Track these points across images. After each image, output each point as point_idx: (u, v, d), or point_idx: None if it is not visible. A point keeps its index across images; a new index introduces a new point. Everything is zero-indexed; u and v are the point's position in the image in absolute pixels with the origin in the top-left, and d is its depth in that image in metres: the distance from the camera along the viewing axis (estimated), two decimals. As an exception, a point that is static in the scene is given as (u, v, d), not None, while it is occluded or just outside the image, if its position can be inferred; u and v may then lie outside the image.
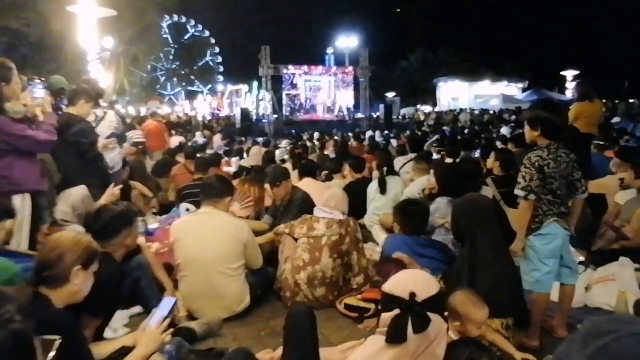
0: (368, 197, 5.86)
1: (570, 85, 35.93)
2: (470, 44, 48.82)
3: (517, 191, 2.88)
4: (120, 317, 3.04)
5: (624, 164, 5.24)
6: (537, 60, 47.61)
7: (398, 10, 55.59)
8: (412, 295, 1.72)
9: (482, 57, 46.99)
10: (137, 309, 3.18)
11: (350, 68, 29.06)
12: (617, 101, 21.60)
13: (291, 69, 27.48)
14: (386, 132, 17.97)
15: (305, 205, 4.44)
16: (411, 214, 3.43)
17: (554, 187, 2.87)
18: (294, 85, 27.45)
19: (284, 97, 27.43)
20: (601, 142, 6.32)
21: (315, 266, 3.55)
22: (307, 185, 5.34)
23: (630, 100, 21.58)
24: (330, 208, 3.75)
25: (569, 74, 37.51)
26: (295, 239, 3.71)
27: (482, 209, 2.70)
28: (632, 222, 4.19)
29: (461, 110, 29.33)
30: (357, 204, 5.78)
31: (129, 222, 2.78)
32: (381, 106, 28.36)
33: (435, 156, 7.83)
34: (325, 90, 28.44)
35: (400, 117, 34.38)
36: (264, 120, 26.33)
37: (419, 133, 15.44)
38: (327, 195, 3.87)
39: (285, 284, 3.60)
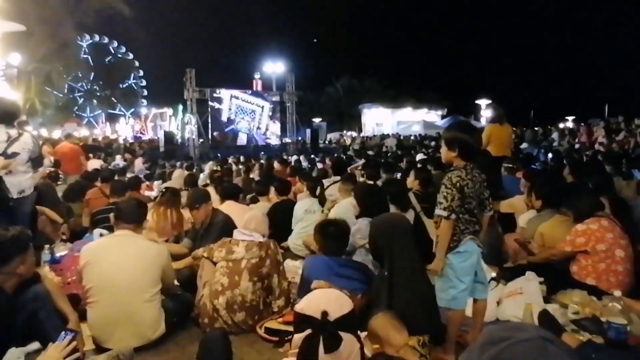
0: (294, 218, 5.85)
1: (484, 113, 38.24)
2: (393, 73, 51.24)
3: (439, 211, 2.93)
4: (15, 355, 2.75)
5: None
6: (454, 90, 50.53)
7: (315, 40, 56.93)
8: (324, 314, 1.69)
9: (404, 85, 49.24)
10: (34, 345, 2.89)
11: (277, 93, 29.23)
12: (524, 128, 23.24)
13: (217, 92, 27.20)
14: (312, 156, 18.14)
15: (226, 228, 4.35)
16: (331, 235, 3.43)
17: (472, 207, 2.97)
18: (218, 109, 27.15)
19: (210, 121, 27.01)
20: (511, 165, 6.70)
21: (234, 290, 3.44)
22: (229, 208, 5.27)
23: (536, 129, 23.36)
24: (250, 230, 3.69)
25: (483, 102, 39.86)
26: (214, 263, 3.60)
27: (399, 228, 2.74)
28: (535, 239, 4.44)
29: (386, 135, 30.23)
30: (282, 225, 5.82)
31: (23, 249, 2.54)
32: (308, 131, 28.70)
33: (359, 179, 7.99)
34: (256, 113, 28.39)
35: (326, 141, 34.89)
36: (188, 144, 25.75)
37: (344, 157, 15.68)
38: (247, 218, 3.81)
39: (204, 309, 3.46)
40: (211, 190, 6.99)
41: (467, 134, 2.96)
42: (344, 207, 4.96)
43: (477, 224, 3.02)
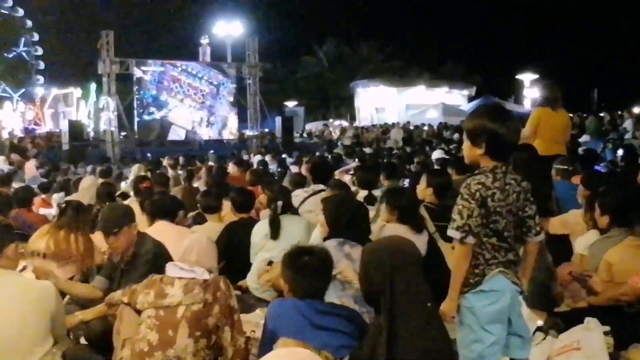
0: (253, 246, 5.86)
1: (529, 94, 38.75)
2: (399, 37, 51.26)
3: (451, 232, 2.96)
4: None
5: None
6: (487, 61, 50.82)
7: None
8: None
9: (415, 54, 49.54)
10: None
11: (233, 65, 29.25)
12: (585, 115, 23.58)
13: (147, 64, 27.10)
14: (283, 155, 18.16)
15: (157, 261, 4.34)
16: (305, 269, 3.42)
17: (500, 227, 2.99)
18: (148, 89, 27.07)
19: (136, 106, 26.88)
20: (565, 167, 6.78)
21: (167, 351, 3.42)
22: (161, 231, 5.25)
23: (601, 115, 23.57)
24: (190, 264, 3.67)
25: (527, 78, 40.45)
26: (139, 312, 3.58)
27: (403, 258, 2.76)
28: (599, 271, 4.48)
29: (390, 125, 30.44)
30: (239, 256, 5.82)
31: None
32: (278, 119, 28.75)
33: (352, 188, 8.03)
34: (205, 95, 28.36)
35: (304, 134, 35.00)
36: (105, 140, 25.61)
37: (330, 157, 15.74)
38: (186, 246, 3.80)
39: (122, 379, 3.43)
40: (135, 205, 6.97)
41: (498, 122, 2.98)
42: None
43: (512, 252, 3.05)
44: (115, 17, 38.18)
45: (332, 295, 3.84)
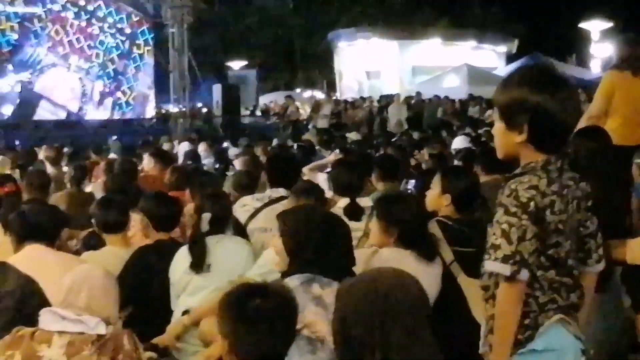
0: (173, 285, 5.85)
1: (597, 51, 39.08)
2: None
3: (494, 265, 2.98)
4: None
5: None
6: (532, 4, 51.15)
7: None
8: None
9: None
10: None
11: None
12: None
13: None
14: (225, 144, 18.11)
15: (24, 305, 4.37)
16: (252, 318, 3.42)
17: (562, 253, 3.04)
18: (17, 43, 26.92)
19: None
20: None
21: None
22: (33, 260, 5.22)
23: None
24: (77, 310, 3.66)
25: (595, 28, 40.78)
26: (-3, 385, 3.56)
27: (401, 303, 2.76)
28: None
29: (389, 98, 30.44)
30: (156, 296, 5.91)
31: None
32: (216, 89, 28.65)
33: (328, 194, 8.04)
34: (102, 48, 28.30)
35: (258, 111, 34.95)
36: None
37: (296, 146, 15.73)
38: (70, 284, 3.78)
39: None
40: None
41: (546, 94, 2.99)
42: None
43: (577, 291, 3.10)
44: None
45: (295, 356, 3.85)
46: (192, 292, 5.70)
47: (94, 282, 3.79)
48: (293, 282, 4.17)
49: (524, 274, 2.91)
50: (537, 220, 2.92)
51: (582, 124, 7.45)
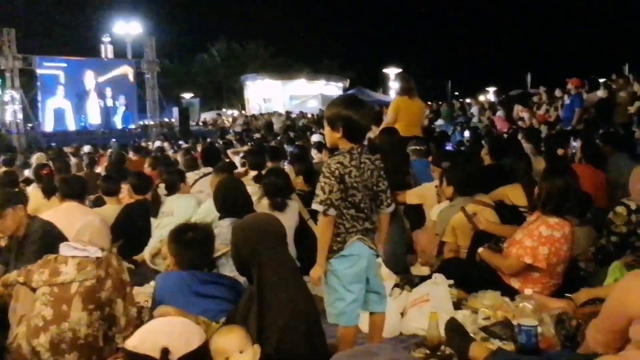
0: (153, 223, 5.74)
1: (394, 85, 39.62)
2: (283, 36, 51.28)
3: (315, 205, 3.00)
4: None
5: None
6: (359, 57, 51.79)
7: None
8: (165, 352, 1.63)
9: (297, 51, 49.79)
10: None
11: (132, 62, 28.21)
12: (440, 102, 24.45)
13: (50, 61, 25.62)
14: (181, 142, 17.74)
15: (47, 240, 4.12)
16: (188, 243, 3.34)
17: (357, 200, 3.04)
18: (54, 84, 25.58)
19: (40, 99, 25.39)
20: (418, 147, 6.98)
21: (62, 324, 3.24)
22: (67, 212, 5.08)
23: (453, 102, 24.61)
24: (83, 243, 3.49)
25: (392, 72, 41.30)
26: (34, 290, 3.37)
27: (267, 233, 2.74)
28: (446, 234, 4.66)
29: (277, 114, 30.28)
30: (137, 234, 5.69)
31: None
32: (175, 110, 28.08)
33: (240, 169, 7.98)
34: (100, 90, 27.18)
35: (200, 123, 34.36)
36: (11, 131, 24.01)
37: (223, 142, 15.50)
38: (79, 227, 3.61)
39: (18, 354, 3.22)
40: (37, 191, 6.62)
41: (352, 110, 3.02)
42: (210, 206, 4.87)
43: (367, 221, 3.10)
44: (16, 15, 35.58)
45: (227, 270, 3.81)
46: (162, 227, 5.57)
47: (92, 225, 3.62)
48: (225, 222, 4.16)
49: (332, 211, 2.95)
50: (341, 181, 2.95)
51: (384, 126, 7.62)
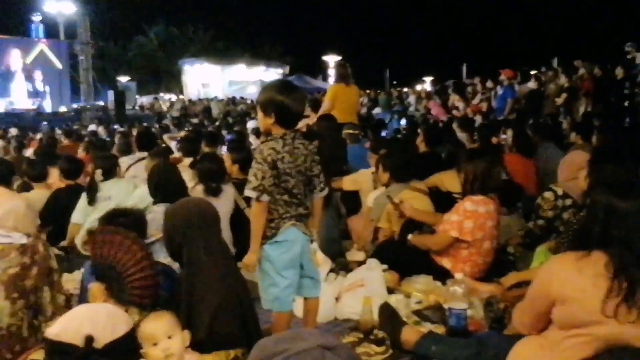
0: (81, 209, 5.54)
1: (333, 73, 39.73)
2: (222, 20, 50.36)
3: (248, 192, 2.96)
4: None
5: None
6: (299, 44, 51.52)
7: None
8: (89, 340, 1.57)
9: (237, 36, 49.10)
10: None
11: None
12: (379, 91, 24.70)
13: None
14: (116, 126, 17.27)
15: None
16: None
17: (290, 185, 3.02)
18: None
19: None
20: (352, 131, 7.03)
21: (-17, 314, 3.10)
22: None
23: (391, 91, 24.91)
24: (7, 230, 3.34)
25: (331, 59, 41.40)
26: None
27: (200, 218, 2.70)
28: (381, 220, 4.71)
29: (214, 99, 29.90)
30: (66, 220, 5.48)
31: None
32: (110, 93, 27.35)
33: (176, 154, 7.83)
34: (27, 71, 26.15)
35: (137, 107, 33.54)
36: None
37: (159, 127, 15.19)
38: (2, 212, 3.46)
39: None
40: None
41: (284, 95, 2.98)
42: (145, 192, 4.76)
43: (301, 206, 3.09)
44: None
45: (161, 257, 3.71)
46: (99, 212, 5.37)
47: (16, 211, 3.49)
48: (159, 208, 4.08)
49: (265, 197, 2.92)
50: (273, 167, 2.93)
51: (321, 113, 7.64)
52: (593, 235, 2.31)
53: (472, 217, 3.94)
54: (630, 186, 2.40)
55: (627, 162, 3.71)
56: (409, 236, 4.35)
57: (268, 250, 3.01)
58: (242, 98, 28.94)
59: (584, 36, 36.00)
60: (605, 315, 2.19)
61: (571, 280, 2.30)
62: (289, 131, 3.03)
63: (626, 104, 11.84)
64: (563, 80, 12.42)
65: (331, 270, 4.23)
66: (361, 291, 3.78)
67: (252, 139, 9.73)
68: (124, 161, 6.98)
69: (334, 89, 7.68)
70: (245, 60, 41.84)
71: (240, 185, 5.19)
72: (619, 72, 12.23)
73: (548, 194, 4.27)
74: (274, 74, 42.11)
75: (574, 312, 2.28)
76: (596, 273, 2.24)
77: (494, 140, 7.88)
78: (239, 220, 4.85)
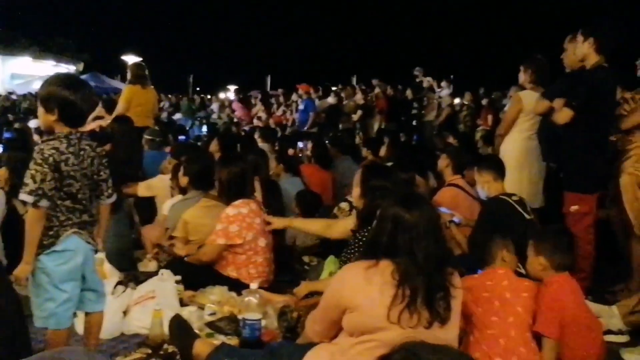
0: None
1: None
2: (5, 6, 46.01)
3: (23, 196, 2.70)
4: None
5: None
6: (97, 39, 48.82)
7: None
8: None
9: (22, 24, 44.98)
10: None
11: None
12: (181, 96, 24.30)
13: None
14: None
15: None
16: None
17: (75, 190, 2.83)
18: None
19: None
20: (150, 137, 6.82)
21: None
22: None
23: (194, 97, 24.69)
24: None
25: (130, 59, 39.73)
26: None
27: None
28: (177, 229, 4.55)
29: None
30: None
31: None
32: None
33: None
34: None
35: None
36: None
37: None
38: None
39: None
40: None
41: (70, 90, 2.79)
42: None
43: (86, 213, 2.91)
44: None
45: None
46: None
47: None
48: None
49: (44, 203, 2.70)
50: (56, 169, 2.72)
51: (116, 114, 7.23)
52: (381, 245, 2.45)
53: (236, 221, 4.10)
54: (415, 199, 2.59)
55: (394, 176, 3.99)
56: (185, 258, 4.38)
57: (44, 261, 2.77)
58: (30, 94, 26.42)
59: (381, 57, 38.66)
60: (390, 321, 2.33)
61: (360, 288, 2.42)
62: (75, 130, 2.84)
63: (414, 122, 13.04)
64: (358, 97, 13.24)
65: (119, 283, 4.00)
66: (152, 304, 3.62)
67: (36, 138, 8.93)
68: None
69: (130, 91, 7.33)
70: (31, 53, 38.58)
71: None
72: (409, 93, 13.44)
73: (344, 205, 4.51)
74: (64, 70, 39.37)
75: (363, 319, 2.41)
76: (383, 281, 2.38)
77: (291, 151, 8.14)
78: (14, 228, 4.40)
